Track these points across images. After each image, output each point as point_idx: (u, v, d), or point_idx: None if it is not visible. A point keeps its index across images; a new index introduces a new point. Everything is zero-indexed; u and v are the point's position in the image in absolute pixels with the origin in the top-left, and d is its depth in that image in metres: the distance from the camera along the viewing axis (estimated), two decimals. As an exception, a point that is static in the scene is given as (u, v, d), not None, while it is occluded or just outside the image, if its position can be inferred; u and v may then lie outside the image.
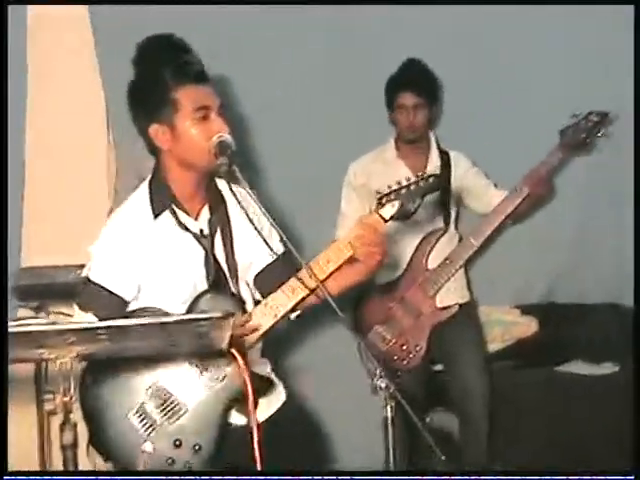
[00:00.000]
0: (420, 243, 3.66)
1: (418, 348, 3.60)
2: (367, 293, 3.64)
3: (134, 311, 2.45)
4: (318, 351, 3.93)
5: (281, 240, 2.52)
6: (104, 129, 3.91)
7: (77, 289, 2.51)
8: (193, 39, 2.49)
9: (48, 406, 2.05)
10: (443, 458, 2.19)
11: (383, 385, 2.13)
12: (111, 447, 2.40)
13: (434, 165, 3.68)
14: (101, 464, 2.42)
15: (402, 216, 2.49)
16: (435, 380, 3.78)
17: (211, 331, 1.98)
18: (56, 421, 2.04)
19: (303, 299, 2.49)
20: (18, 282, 3.42)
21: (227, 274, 2.52)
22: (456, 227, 3.81)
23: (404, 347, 3.59)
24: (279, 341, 3.61)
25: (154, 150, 2.51)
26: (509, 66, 3.97)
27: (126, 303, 2.46)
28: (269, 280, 2.55)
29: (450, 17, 3.87)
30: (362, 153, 3.80)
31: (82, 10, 3.77)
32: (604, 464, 2.98)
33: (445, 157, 3.74)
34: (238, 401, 2.42)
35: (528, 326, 4.13)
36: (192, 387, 2.43)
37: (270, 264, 2.60)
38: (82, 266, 2.59)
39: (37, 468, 3.44)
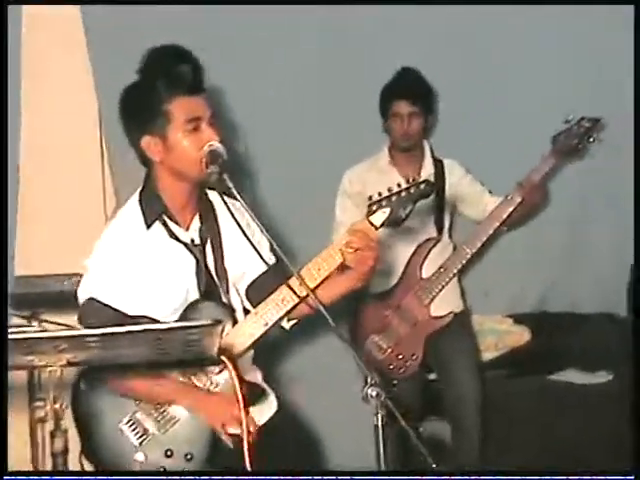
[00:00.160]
0: (414, 252, 3.66)
1: (414, 357, 3.60)
2: (363, 302, 3.64)
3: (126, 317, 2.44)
4: (310, 360, 3.92)
5: (272, 249, 2.52)
6: (98, 134, 3.92)
7: (77, 307, 2.49)
8: (185, 40, 2.49)
9: (39, 413, 2.03)
10: (435, 466, 2.19)
11: (374, 393, 2.12)
12: (103, 457, 2.41)
13: (428, 173, 3.67)
14: (93, 474, 2.41)
15: (393, 223, 2.49)
16: (429, 389, 3.78)
17: (201, 339, 1.97)
18: (47, 428, 2.03)
19: (294, 307, 2.48)
20: (11, 291, 3.42)
21: (218, 283, 2.52)
22: (450, 236, 3.81)
23: (400, 356, 3.60)
24: (271, 350, 3.62)
25: (146, 161, 2.51)
26: (503, 70, 3.98)
27: (128, 317, 2.43)
28: (261, 290, 2.55)
29: (445, 19, 3.87)
30: (355, 161, 3.80)
31: (75, 10, 3.76)
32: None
33: (439, 165, 3.74)
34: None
35: (521, 335, 4.13)
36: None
37: (262, 274, 2.60)
38: (75, 274, 2.58)
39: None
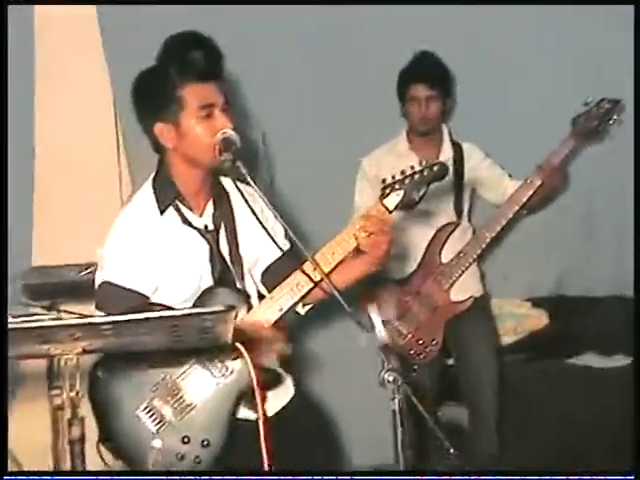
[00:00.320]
0: (433, 237, 3.65)
1: (434, 342, 3.60)
2: (383, 287, 3.63)
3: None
4: (327, 345, 3.93)
5: (286, 235, 2.52)
6: (113, 128, 3.93)
7: (93, 294, 2.50)
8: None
9: (56, 401, 2.04)
10: (452, 451, 2.18)
11: (391, 378, 2.12)
12: (121, 444, 2.41)
13: (446, 157, 3.66)
14: (111, 462, 2.42)
15: (407, 205, 2.48)
16: (447, 374, 3.78)
17: (216, 325, 1.97)
18: (65, 416, 2.05)
19: (308, 292, 2.48)
20: (28, 281, 3.44)
21: (232, 269, 2.52)
22: (469, 220, 3.79)
23: (420, 341, 3.60)
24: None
25: (159, 148, 2.51)
26: (517, 59, 3.98)
27: (147, 299, 2.45)
28: (276, 276, 2.54)
29: (463, 6, 3.85)
30: (372, 145, 3.78)
31: (90, 10, 3.79)
32: (616, 457, 2.96)
33: (458, 149, 3.72)
34: (246, 396, 2.42)
35: (539, 319, 4.12)
36: (200, 383, 2.43)
37: (277, 260, 2.60)
38: (91, 264, 2.59)
39: (50, 464, 3.47)
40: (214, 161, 2.39)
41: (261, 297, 2.57)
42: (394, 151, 3.73)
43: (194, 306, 2.42)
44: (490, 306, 3.94)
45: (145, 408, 2.40)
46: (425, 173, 2.46)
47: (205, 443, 2.39)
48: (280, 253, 2.58)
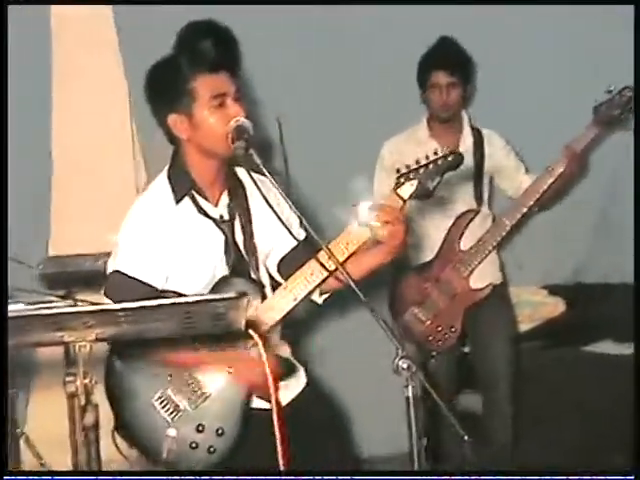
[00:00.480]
0: (453, 224, 3.64)
1: (453, 329, 3.60)
2: (402, 274, 3.64)
3: (152, 293, 2.46)
4: (340, 333, 3.93)
5: (301, 225, 2.52)
6: (128, 120, 3.97)
7: (104, 281, 2.51)
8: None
9: (70, 388, 2.05)
10: (466, 439, 2.17)
11: (405, 365, 2.11)
12: (136, 433, 2.42)
13: (467, 144, 3.66)
14: (126, 450, 2.43)
15: (421, 195, 2.47)
16: (464, 362, 3.78)
17: (228, 311, 1.97)
18: (79, 403, 2.05)
19: (322, 281, 2.47)
20: (45, 270, 3.46)
21: (247, 259, 2.52)
22: (489, 207, 3.78)
23: (439, 328, 3.59)
24: (301, 324, 3.63)
25: (173, 139, 2.51)
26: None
27: (156, 291, 2.44)
28: (292, 266, 2.54)
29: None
30: (387, 133, 3.77)
31: (106, 10, 3.84)
32: (632, 446, 2.95)
33: (478, 135, 3.71)
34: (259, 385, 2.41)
35: (555, 306, 4.12)
36: (215, 372, 2.44)
37: (292, 250, 2.60)
38: (107, 254, 2.59)
39: (68, 452, 3.50)
40: (228, 151, 2.39)
41: (275, 287, 2.56)
42: (414, 138, 3.71)
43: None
44: (509, 294, 3.92)
45: (160, 397, 2.42)
46: (440, 163, 2.45)
47: (220, 432, 2.40)
48: (295, 243, 2.57)
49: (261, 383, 2.31)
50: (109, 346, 2.42)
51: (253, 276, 2.52)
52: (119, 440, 2.44)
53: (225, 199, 2.54)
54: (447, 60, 3.60)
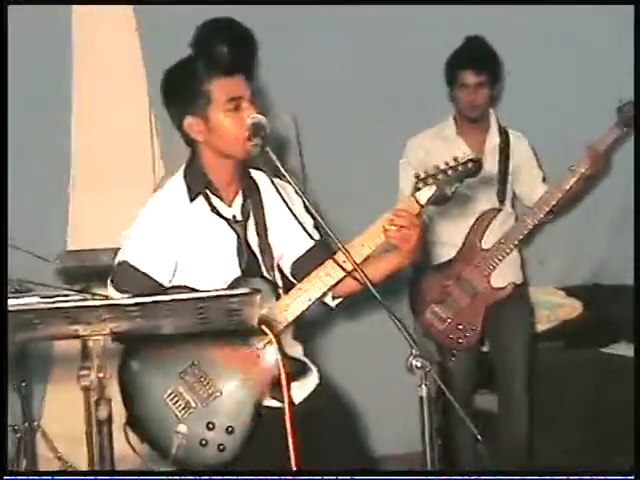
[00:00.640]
0: (475, 222, 3.63)
1: (474, 328, 3.59)
2: (424, 272, 3.64)
3: (166, 289, 2.46)
4: (354, 334, 3.93)
5: (316, 226, 2.52)
6: (147, 117, 4.00)
7: (112, 271, 2.54)
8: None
9: (84, 382, 2.06)
10: (480, 438, 2.16)
11: (418, 364, 2.11)
12: (146, 428, 2.43)
13: (493, 143, 3.67)
14: (137, 445, 2.43)
15: (439, 200, 2.46)
16: (483, 361, 3.76)
17: (242, 308, 1.98)
18: (93, 396, 2.07)
19: (337, 283, 2.47)
20: (62, 264, 3.48)
21: (260, 260, 2.52)
22: (512, 206, 3.76)
23: (460, 326, 3.58)
24: (315, 322, 3.63)
25: (190, 141, 2.53)
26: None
27: (161, 287, 2.46)
28: (306, 267, 2.53)
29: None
30: (415, 130, 3.77)
31: (128, 10, 3.88)
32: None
33: (504, 136, 3.70)
34: (271, 384, 2.42)
35: (573, 307, 4.11)
36: (226, 369, 2.44)
37: (307, 251, 2.59)
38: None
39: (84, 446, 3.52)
40: (244, 153, 2.41)
41: (289, 288, 2.55)
42: (441, 136, 3.69)
43: (223, 293, 2.41)
44: (529, 294, 3.90)
45: (171, 393, 2.42)
46: (459, 169, 2.44)
47: (230, 430, 2.40)
48: (311, 244, 2.57)
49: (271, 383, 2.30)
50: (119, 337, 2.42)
51: (267, 276, 2.52)
52: (131, 435, 2.44)
53: (239, 200, 2.54)
54: (476, 59, 3.59)
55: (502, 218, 3.67)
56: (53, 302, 1.97)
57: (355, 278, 2.38)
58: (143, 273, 2.44)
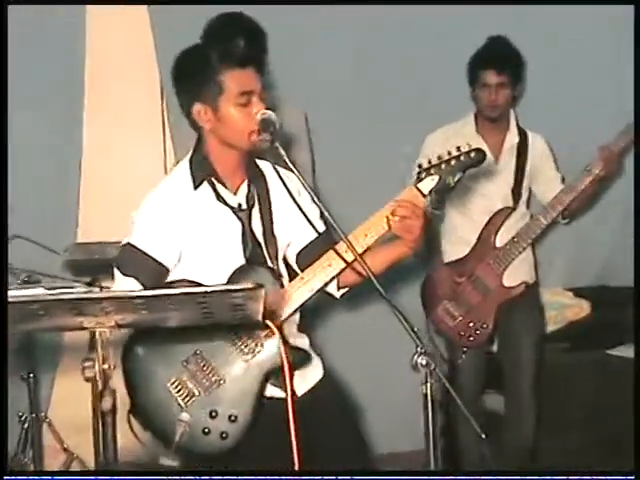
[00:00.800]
0: (489, 220, 3.64)
1: (484, 326, 3.59)
2: (436, 269, 3.66)
3: (171, 282, 2.48)
4: (360, 328, 3.93)
5: (322, 217, 2.53)
6: (158, 107, 4.00)
7: (116, 255, 2.56)
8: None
9: (88, 373, 2.07)
10: (483, 436, 2.17)
11: (423, 362, 2.11)
12: (150, 416, 2.44)
13: (511, 143, 3.68)
14: (140, 433, 2.45)
15: (441, 190, 2.45)
16: (491, 360, 3.77)
17: (246, 302, 1.99)
18: (97, 387, 2.09)
19: (339, 273, 2.48)
20: (71, 257, 3.50)
21: (265, 249, 2.53)
22: (527, 206, 3.77)
23: (471, 324, 3.59)
24: (320, 315, 3.64)
25: (196, 127, 2.54)
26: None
27: (167, 270, 2.48)
28: (310, 257, 2.54)
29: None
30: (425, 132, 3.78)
31: (142, 10, 3.90)
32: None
33: (523, 136, 3.70)
34: (275, 374, 2.43)
35: (581, 308, 4.09)
36: (230, 359, 2.46)
37: (312, 242, 2.60)
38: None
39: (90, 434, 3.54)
40: (249, 145, 2.43)
41: (293, 278, 2.56)
42: (461, 133, 3.67)
43: (228, 284, 2.43)
44: (539, 294, 3.91)
45: (175, 381, 2.43)
46: (462, 159, 2.44)
47: (232, 418, 2.41)
48: (315, 235, 2.58)
49: None
50: (128, 331, 2.45)
51: (271, 266, 2.53)
52: (134, 422, 2.46)
53: (245, 188, 2.55)
54: (498, 59, 3.59)
55: (516, 217, 3.67)
56: (58, 294, 1.98)
57: (357, 272, 2.40)
58: (148, 255, 2.45)
